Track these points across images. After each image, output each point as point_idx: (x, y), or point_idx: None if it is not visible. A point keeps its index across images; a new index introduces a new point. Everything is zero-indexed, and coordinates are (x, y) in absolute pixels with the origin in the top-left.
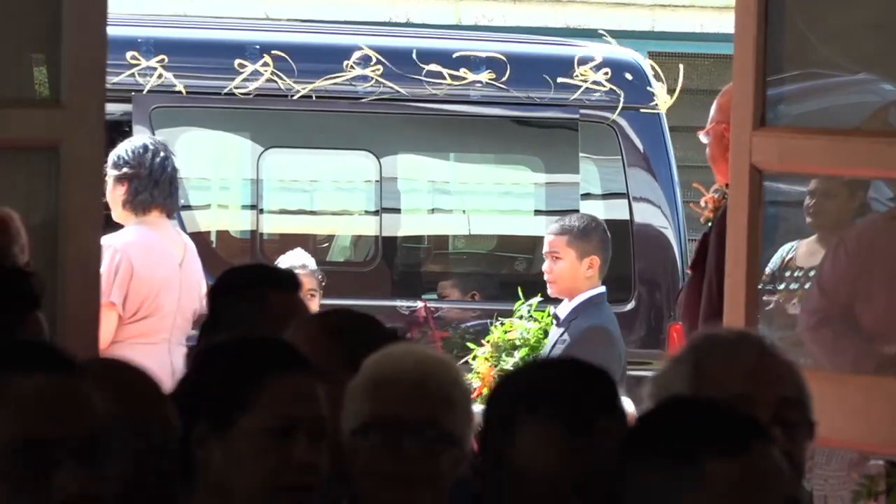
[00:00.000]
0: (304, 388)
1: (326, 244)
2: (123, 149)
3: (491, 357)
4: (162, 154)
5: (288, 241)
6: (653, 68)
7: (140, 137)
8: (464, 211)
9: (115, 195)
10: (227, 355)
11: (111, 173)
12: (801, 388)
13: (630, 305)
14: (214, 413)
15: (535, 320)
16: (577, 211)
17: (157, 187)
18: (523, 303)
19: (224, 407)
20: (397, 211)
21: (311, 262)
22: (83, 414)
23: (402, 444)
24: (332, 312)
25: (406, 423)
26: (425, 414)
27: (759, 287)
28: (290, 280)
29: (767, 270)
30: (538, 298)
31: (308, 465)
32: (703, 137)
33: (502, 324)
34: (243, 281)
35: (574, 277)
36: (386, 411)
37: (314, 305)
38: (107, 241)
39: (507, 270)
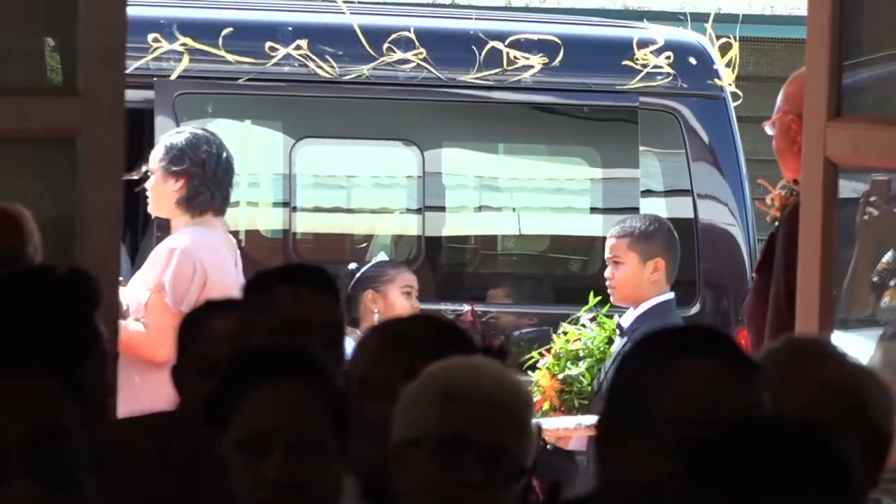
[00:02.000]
0: (281, 396)
1: (365, 244)
2: (182, 139)
3: (554, 367)
4: (225, 154)
5: (323, 241)
6: (719, 53)
7: (195, 129)
8: (513, 208)
9: (165, 189)
10: (224, 369)
11: (164, 165)
12: (855, 392)
13: (695, 310)
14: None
15: (602, 327)
16: (637, 208)
17: (219, 189)
18: (589, 307)
19: (214, 424)
20: (442, 208)
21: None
22: (38, 421)
23: (470, 468)
24: (402, 319)
25: (477, 447)
26: (500, 438)
27: (875, 280)
28: (306, 274)
29: (885, 262)
30: (600, 305)
31: (283, 480)
32: (768, 129)
33: (565, 332)
34: (255, 280)
35: (636, 283)
36: (456, 428)
37: (413, 303)
38: (173, 244)
39: (561, 273)
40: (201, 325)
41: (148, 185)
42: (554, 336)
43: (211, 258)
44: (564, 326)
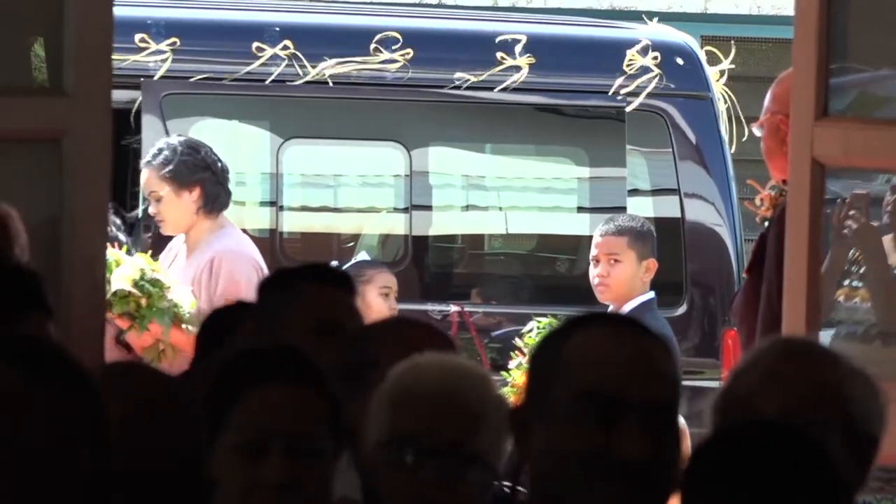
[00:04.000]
0: (279, 399)
1: (352, 243)
2: (171, 152)
3: None
4: (213, 150)
5: (310, 241)
6: (706, 53)
7: (174, 139)
8: (501, 208)
9: (181, 203)
10: (218, 370)
11: (173, 182)
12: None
13: (681, 310)
14: (206, 432)
15: None
16: (624, 208)
17: (226, 184)
18: (548, 323)
19: (209, 425)
20: (429, 207)
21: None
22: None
23: (422, 467)
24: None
25: (425, 446)
26: (448, 435)
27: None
28: (333, 275)
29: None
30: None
31: (282, 483)
32: (756, 130)
33: (540, 329)
34: (277, 278)
35: (632, 282)
36: (405, 430)
37: (391, 304)
38: (234, 249)
39: (548, 272)
40: (230, 325)
41: (155, 209)
42: (526, 337)
43: (259, 255)
44: (529, 326)
